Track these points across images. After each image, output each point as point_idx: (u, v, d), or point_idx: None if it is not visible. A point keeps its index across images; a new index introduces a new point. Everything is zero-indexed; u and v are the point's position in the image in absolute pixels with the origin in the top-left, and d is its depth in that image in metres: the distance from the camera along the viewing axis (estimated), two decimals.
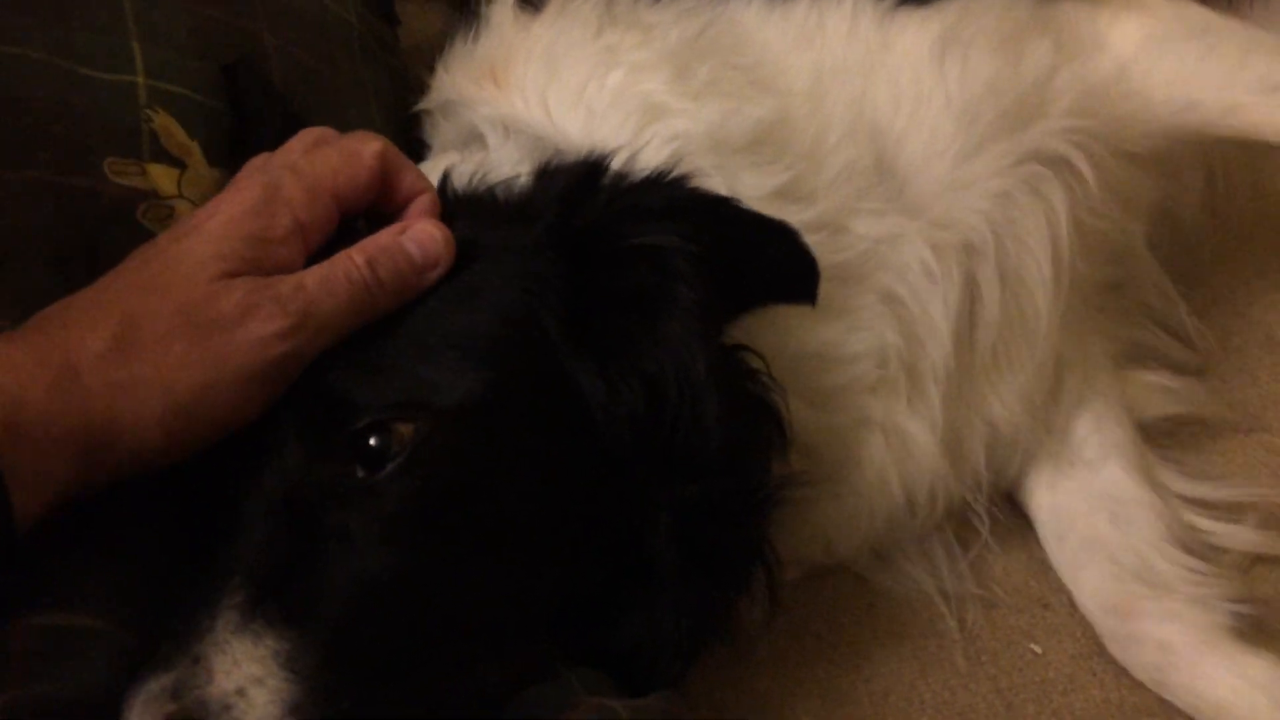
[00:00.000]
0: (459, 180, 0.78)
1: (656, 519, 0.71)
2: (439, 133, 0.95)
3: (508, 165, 0.81)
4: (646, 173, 0.74)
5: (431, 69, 1.00)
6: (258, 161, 0.72)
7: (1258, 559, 0.96)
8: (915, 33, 0.91)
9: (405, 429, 0.62)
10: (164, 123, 0.84)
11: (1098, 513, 0.95)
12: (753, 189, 0.79)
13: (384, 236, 0.68)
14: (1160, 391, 1.04)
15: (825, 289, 0.74)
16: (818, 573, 0.92)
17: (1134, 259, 1.05)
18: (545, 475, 0.68)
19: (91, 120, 0.79)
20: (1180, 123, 0.98)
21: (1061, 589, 0.96)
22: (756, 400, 0.75)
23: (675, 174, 0.74)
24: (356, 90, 1.04)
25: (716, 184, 0.78)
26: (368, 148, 0.71)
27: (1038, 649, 0.93)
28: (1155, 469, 0.99)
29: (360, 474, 0.62)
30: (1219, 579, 0.91)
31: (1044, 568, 0.98)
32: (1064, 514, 0.96)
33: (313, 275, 0.65)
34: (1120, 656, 0.89)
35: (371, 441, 0.62)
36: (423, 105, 0.98)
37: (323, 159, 0.70)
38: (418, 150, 0.96)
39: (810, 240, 0.73)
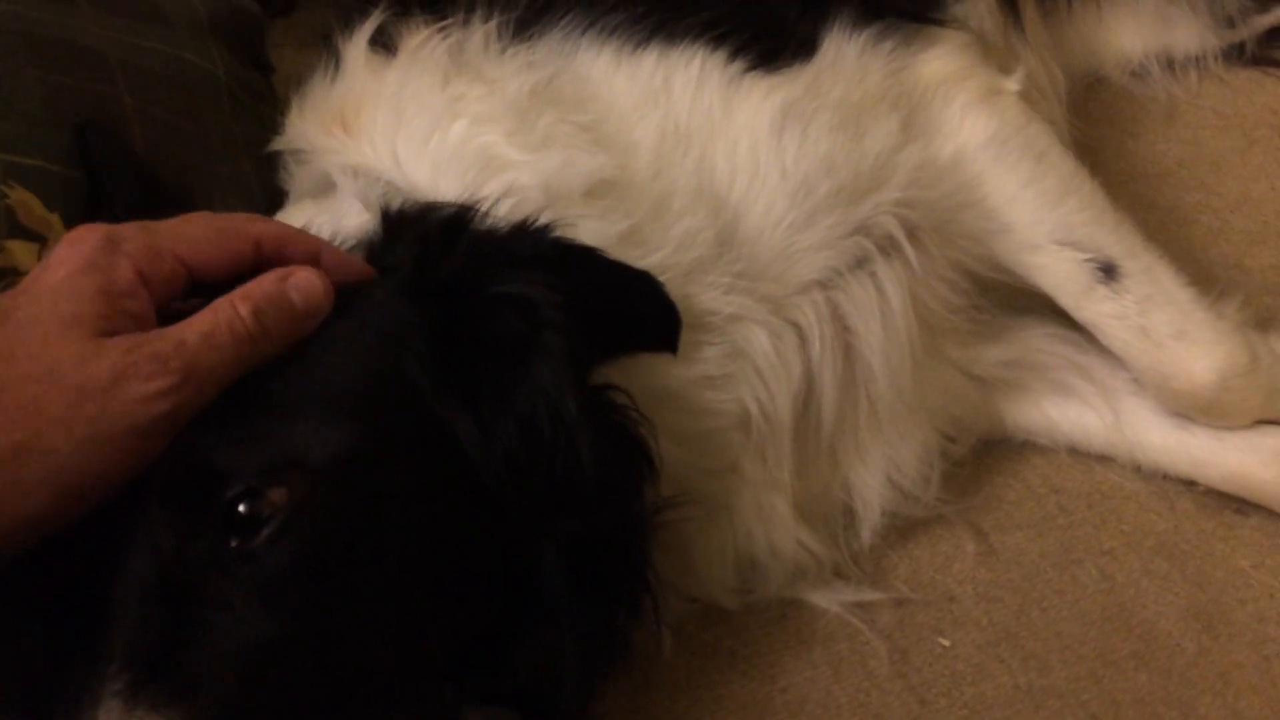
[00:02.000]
0: (319, 232, 0.78)
1: (541, 554, 0.71)
2: (293, 179, 0.94)
3: (359, 214, 0.81)
4: (510, 222, 0.74)
5: (289, 108, 0.99)
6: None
7: None
8: (758, 102, 0.91)
9: (277, 492, 0.61)
10: (21, 198, 0.82)
11: None
12: (595, 236, 0.79)
13: (267, 283, 0.66)
14: None
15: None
16: (698, 607, 0.93)
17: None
18: (425, 522, 0.68)
19: None
20: (990, 246, 1.00)
21: (965, 579, 0.99)
22: (626, 434, 0.77)
23: (539, 223, 0.74)
24: (226, 145, 1.03)
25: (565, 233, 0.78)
26: (243, 228, 0.70)
27: (946, 642, 0.95)
28: None
29: (234, 543, 0.61)
30: None
31: (948, 561, 1.00)
32: None
33: (194, 330, 0.63)
34: None
35: (242, 509, 0.61)
36: (275, 146, 0.98)
37: (182, 225, 0.69)
38: (277, 197, 0.96)
39: None
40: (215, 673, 0.59)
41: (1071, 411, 1.06)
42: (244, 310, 0.64)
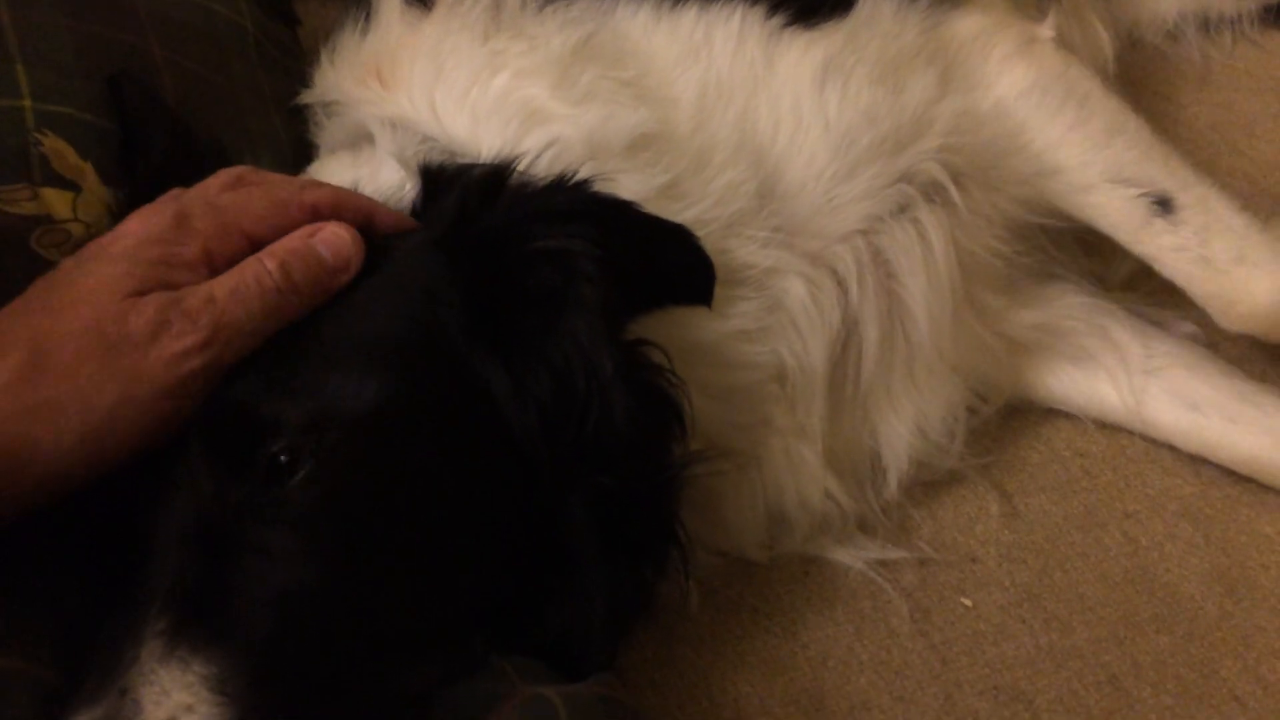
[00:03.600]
0: (359, 185, 0.78)
1: (571, 507, 0.72)
2: (324, 132, 0.94)
3: (397, 167, 0.81)
4: (549, 177, 0.74)
5: (319, 61, 0.99)
6: (173, 193, 0.71)
7: None
8: (799, 57, 0.92)
9: (315, 440, 0.62)
10: (54, 146, 0.83)
11: None
12: (635, 190, 0.79)
13: (293, 240, 0.68)
14: None
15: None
16: (725, 562, 0.94)
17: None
18: (458, 473, 0.69)
19: None
20: (1040, 188, 1.00)
21: (989, 541, 0.99)
22: (660, 392, 0.77)
23: (577, 178, 0.75)
24: (254, 97, 1.03)
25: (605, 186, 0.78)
26: (299, 199, 0.71)
27: (968, 602, 0.95)
28: None
29: (272, 488, 0.62)
30: None
31: (971, 522, 1.00)
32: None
33: (222, 286, 0.64)
34: None
35: (282, 457, 0.62)
36: (305, 99, 0.98)
37: (244, 200, 0.70)
38: (305, 151, 0.96)
39: None
40: (253, 616, 0.61)
41: (1089, 385, 1.06)
42: (270, 265, 0.66)
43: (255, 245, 0.69)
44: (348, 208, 0.72)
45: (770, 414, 0.89)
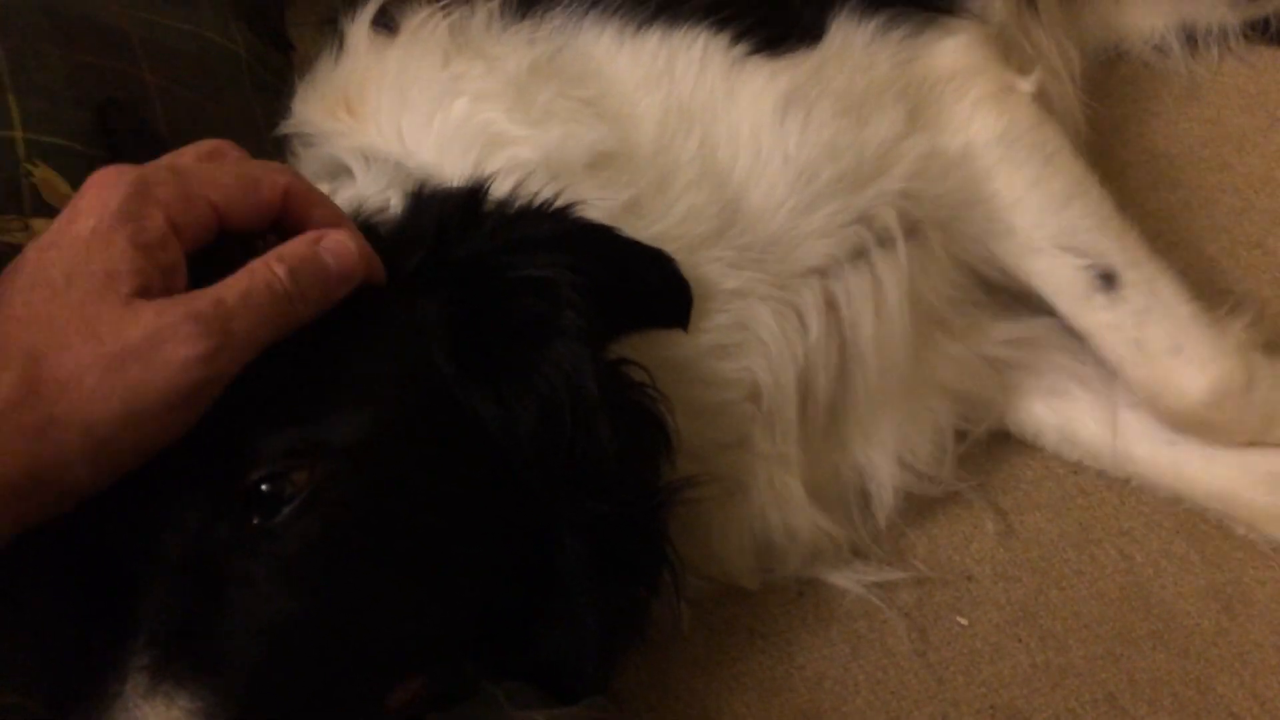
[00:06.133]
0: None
1: (561, 532, 0.72)
2: (300, 163, 0.94)
3: (375, 196, 0.81)
4: (528, 201, 0.74)
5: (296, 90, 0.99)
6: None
7: None
8: (761, 87, 0.90)
9: (299, 474, 0.62)
10: (45, 176, 0.83)
11: None
12: (598, 207, 0.79)
13: (300, 246, 0.65)
14: None
15: None
16: (718, 586, 0.93)
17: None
18: (446, 501, 0.69)
19: None
20: (992, 249, 0.99)
21: (984, 559, 0.99)
22: (644, 411, 0.77)
23: (557, 204, 0.75)
24: (247, 124, 1.03)
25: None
26: (271, 178, 0.68)
27: (964, 621, 0.95)
28: None
29: (256, 521, 0.62)
30: None
31: (966, 541, 1.00)
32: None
33: (232, 290, 0.61)
34: None
35: (265, 489, 0.61)
36: (282, 130, 0.97)
37: (212, 169, 0.67)
38: None
39: None
40: (239, 649, 0.60)
41: (1067, 410, 1.04)
42: (280, 271, 0.63)
43: (222, 217, 0.65)
44: (319, 205, 0.69)
45: (751, 435, 0.89)
